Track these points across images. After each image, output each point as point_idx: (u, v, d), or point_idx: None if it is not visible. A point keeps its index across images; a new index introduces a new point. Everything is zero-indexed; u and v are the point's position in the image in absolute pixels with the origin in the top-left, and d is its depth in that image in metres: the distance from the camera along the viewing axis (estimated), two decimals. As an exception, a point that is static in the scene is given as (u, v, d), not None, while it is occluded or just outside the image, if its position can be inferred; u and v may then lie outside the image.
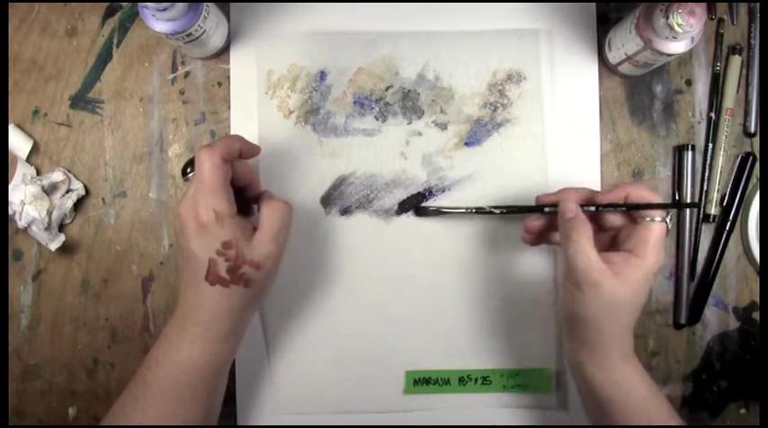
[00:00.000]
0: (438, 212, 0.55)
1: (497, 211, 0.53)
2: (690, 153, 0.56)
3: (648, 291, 0.47)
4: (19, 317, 0.57)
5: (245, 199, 0.50)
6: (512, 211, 0.53)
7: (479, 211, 0.53)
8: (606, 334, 0.46)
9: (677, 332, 0.57)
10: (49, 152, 0.57)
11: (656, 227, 0.46)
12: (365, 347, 0.57)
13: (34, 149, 0.57)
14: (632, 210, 0.48)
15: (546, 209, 0.50)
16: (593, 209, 0.48)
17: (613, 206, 0.48)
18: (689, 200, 0.56)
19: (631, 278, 0.45)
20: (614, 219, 0.49)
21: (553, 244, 0.53)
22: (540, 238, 0.53)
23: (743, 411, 0.57)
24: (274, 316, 0.56)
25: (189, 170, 0.57)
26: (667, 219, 0.47)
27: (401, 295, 0.57)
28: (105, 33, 0.57)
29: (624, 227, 0.49)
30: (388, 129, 0.57)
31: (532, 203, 0.53)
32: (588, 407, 0.50)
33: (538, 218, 0.52)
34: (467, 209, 0.54)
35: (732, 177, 0.57)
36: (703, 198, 0.57)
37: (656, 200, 0.47)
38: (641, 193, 0.47)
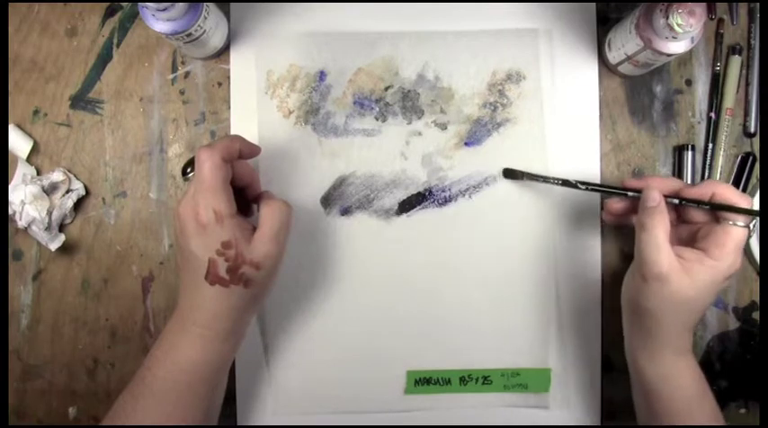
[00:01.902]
0: (525, 175, 0.55)
1: (582, 187, 0.51)
2: (690, 153, 0.56)
3: (716, 294, 0.46)
4: (19, 317, 0.57)
5: (245, 199, 0.50)
6: (596, 190, 0.52)
7: (565, 183, 0.52)
8: (664, 329, 0.45)
9: (677, 332, 0.57)
10: (49, 152, 0.57)
11: (736, 231, 0.45)
12: (366, 347, 0.57)
13: (34, 149, 0.57)
14: (715, 210, 0.46)
15: (630, 194, 0.49)
16: (676, 201, 0.47)
17: (697, 202, 0.47)
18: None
19: (700, 278, 0.44)
20: (696, 215, 0.48)
21: (632, 226, 0.52)
22: (620, 219, 0.52)
23: (743, 411, 0.57)
24: (275, 316, 0.56)
25: (189, 170, 0.57)
26: (751, 225, 0.45)
27: (402, 295, 0.57)
28: (105, 33, 0.57)
29: (705, 224, 0.47)
30: (389, 129, 0.57)
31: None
32: (636, 395, 0.50)
33: (620, 201, 0.51)
34: (554, 179, 0.53)
35: (732, 177, 0.57)
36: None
37: (743, 203, 0.45)
38: (728, 194, 0.46)
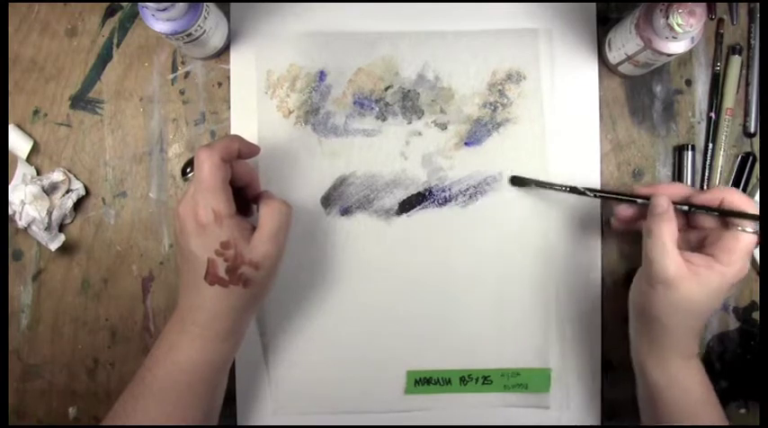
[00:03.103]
0: (533, 183, 0.55)
1: (590, 194, 0.52)
2: (690, 153, 0.56)
3: (722, 300, 0.46)
4: (19, 317, 0.57)
5: (245, 199, 0.50)
6: (605, 196, 0.52)
7: (573, 190, 0.52)
8: (671, 334, 0.45)
9: (677, 332, 0.57)
10: (49, 152, 0.57)
11: (744, 237, 0.45)
12: (366, 347, 0.57)
13: (34, 149, 0.57)
14: (725, 216, 0.46)
15: (639, 201, 0.49)
16: (685, 208, 0.47)
17: (707, 209, 0.47)
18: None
19: (708, 283, 0.44)
20: (705, 221, 0.48)
21: (641, 231, 0.52)
22: (629, 225, 0.52)
23: (743, 411, 0.57)
24: (275, 316, 0.56)
25: (188, 170, 0.57)
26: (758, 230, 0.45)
27: (402, 295, 0.57)
28: (105, 33, 0.57)
29: (714, 229, 0.47)
30: (388, 129, 0.57)
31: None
32: (642, 402, 0.50)
33: (629, 207, 0.51)
34: (561, 186, 0.53)
35: (732, 177, 0.57)
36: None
37: (752, 209, 0.45)
38: (737, 200, 0.46)
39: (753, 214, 0.45)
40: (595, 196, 0.52)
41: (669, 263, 0.44)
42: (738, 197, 0.46)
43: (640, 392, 0.50)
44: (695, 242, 0.49)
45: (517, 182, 0.56)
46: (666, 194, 0.47)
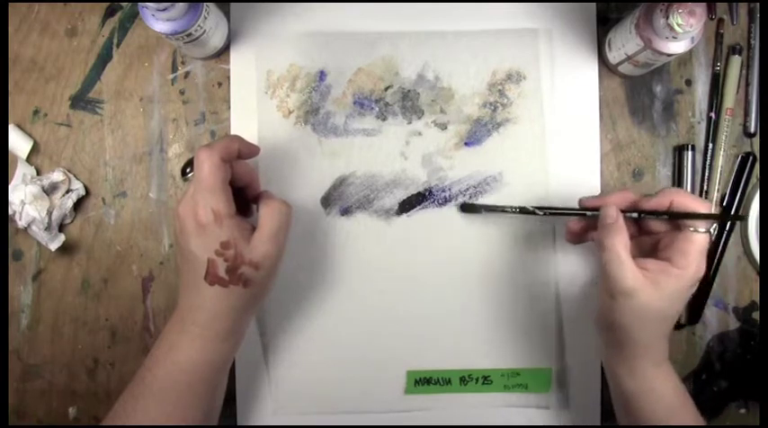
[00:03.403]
0: (483, 208, 0.55)
1: (540, 212, 0.52)
2: (690, 153, 0.56)
3: (685, 301, 0.46)
4: (19, 317, 0.57)
5: (245, 199, 0.50)
6: (554, 213, 0.52)
7: (522, 211, 0.52)
8: (639, 342, 0.45)
9: (677, 332, 0.57)
10: (49, 152, 0.57)
11: (697, 238, 0.45)
12: (366, 347, 0.57)
13: (34, 149, 0.57)
14: (675, 219, 0.46)
15: (588, 214, 0.49)
16: (635, 215, 0.47)
17: (656, 213, 0.47)
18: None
19: (667, 288, 0.44)
20: (656, 225, 0.48)
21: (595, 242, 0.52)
22: (582, 238, 0.52)
23: (743, 411, 0.57)
24: (274, 316, 0.56)
25: (188, 170, 0.57)
26: (711, 230, 0.45)
27: (402, 295, 0.57)
28: (105, 33, 0.57)
29: (667, 233, 0.47)
30: (388, 129, 0.57)
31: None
32: (618, 409, 0.50)
33: (579, 221, 0.51)
34: (511, 208, 0.53)
35: (732, 177, 0.57)
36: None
37: (701, 209, 0.45)
38: (686, 201, 0.46)
39: (704, 214, 0.45)
40: (545, 214, 0.52)
41: (626, 275, 0.44)
42: (687, 198, 0.46)
43: (614, 399, 0.50)
44: (648, 247, 0.49)
45: (467, 208, 0.56)
46: (615, 204, 0.47)
